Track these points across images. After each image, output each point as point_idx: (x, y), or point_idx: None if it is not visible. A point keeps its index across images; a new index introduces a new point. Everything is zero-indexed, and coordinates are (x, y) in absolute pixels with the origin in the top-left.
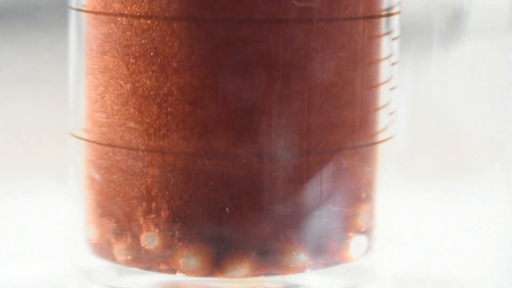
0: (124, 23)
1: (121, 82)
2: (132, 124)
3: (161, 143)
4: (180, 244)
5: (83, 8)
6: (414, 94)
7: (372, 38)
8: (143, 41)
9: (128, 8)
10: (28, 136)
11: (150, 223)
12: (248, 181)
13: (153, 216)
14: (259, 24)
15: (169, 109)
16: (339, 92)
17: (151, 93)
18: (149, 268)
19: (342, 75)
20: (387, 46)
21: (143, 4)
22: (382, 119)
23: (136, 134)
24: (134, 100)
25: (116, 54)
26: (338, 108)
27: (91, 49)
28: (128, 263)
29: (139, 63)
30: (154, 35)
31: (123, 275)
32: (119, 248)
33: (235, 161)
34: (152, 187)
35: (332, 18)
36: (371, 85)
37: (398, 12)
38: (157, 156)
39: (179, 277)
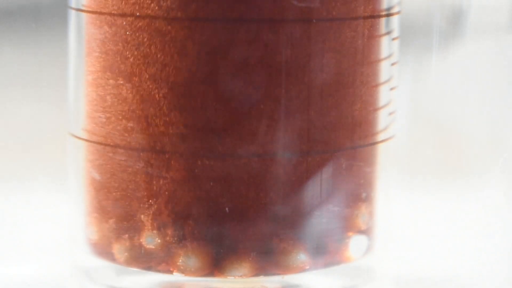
0: (124, 23)
1: (121, 82)
2: (132, 124)
3: (161, 143)
4: (180, 244)
5: (83, 8)
6: (414, 94)
7: (372, 38)
8: (143, 41)
9: (128, 8)
10: (28, 136)
11: (150, 223)
12: (248, 181)
13: (153, 216)
14: (259, 24)
15: (169, 109)
16: (339, 92)
17: (151, 93)
18: (149, 268)
19: (342, 75)
20: (387, 46)
21: (143, 4)
22: (382, 119)
23: (136, 134)
24: (134, 100)
25: (115, 54)
26: (338, 108)
27: (91, 49)
28: (128, 263)
29: (138, 63)
30: (154, 35)
31: (123, 275)
32: (119, 248)
33: (235, 161)
34: (152, 187)
35: (332, 18)
36: (371, 85)
37: (398, 12)
38: (157, 156)
39: (178, 277)
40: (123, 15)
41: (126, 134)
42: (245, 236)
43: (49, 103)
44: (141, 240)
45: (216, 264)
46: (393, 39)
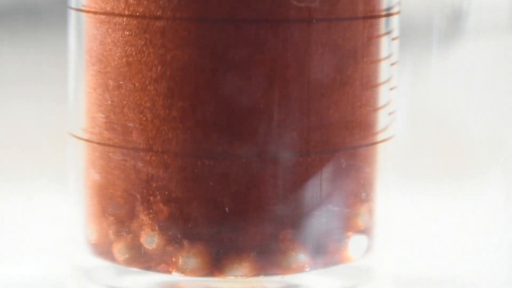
0: (124, 23)
1: (121, 82)
2: (131, 124)
3: (161, 143)
4: (180, 244)
5: (83, 8)
6: (414, 94)
7: (372, 38)
8: (143, 41)
9: (128, 8)
10: (28, 136)
11: (150, 223)
12: (248, 181)
13: (153, 216)
14: (259, 24)
15: (169, 109)
16: (339, 92)
17: (151, 93)
18: (148, 268)
19: (342, 75)
20: (387, 46)
21: (143, 4)
22: (382, 119)
23: (135, 134)
24: (134, 100)
25: (115, 54)
26: (337, 108)
27: (91, 49)
28: (128, 263)
29: (138, 63)
30: (153, 35)
31: (123, 275)
32: (119, 248)
33: (235, 161)
34: (152, 187)
35: (332, 18)
36: (371, 85)
37: (398, 12)
38: (157, 156)
39: (178, 277)
40: (123, 15)
41: (126, 134)
42: (245, 236)
43: (49, 103)
44: (141, 240)
45: (216, 264)
46: (393, 39)
